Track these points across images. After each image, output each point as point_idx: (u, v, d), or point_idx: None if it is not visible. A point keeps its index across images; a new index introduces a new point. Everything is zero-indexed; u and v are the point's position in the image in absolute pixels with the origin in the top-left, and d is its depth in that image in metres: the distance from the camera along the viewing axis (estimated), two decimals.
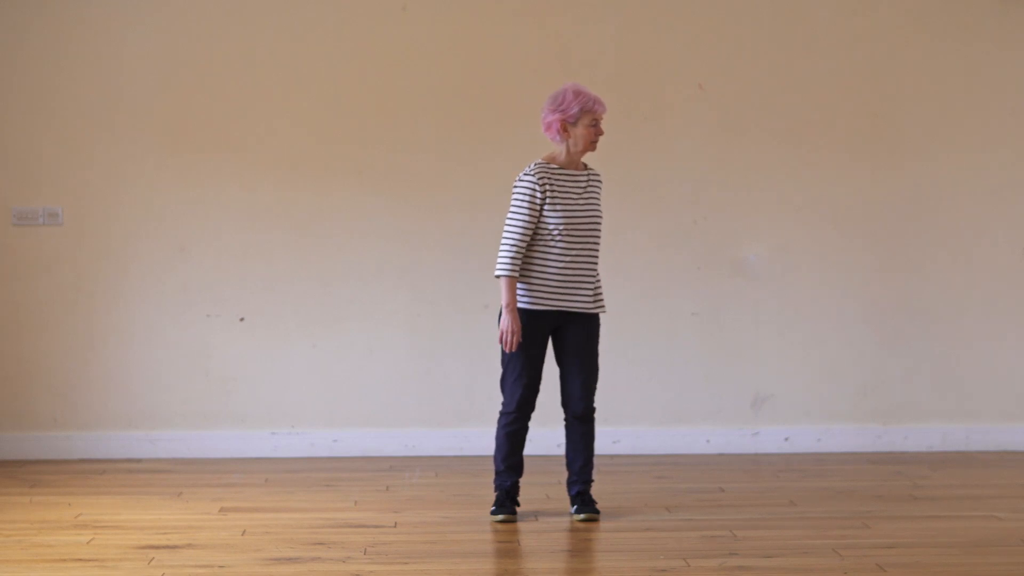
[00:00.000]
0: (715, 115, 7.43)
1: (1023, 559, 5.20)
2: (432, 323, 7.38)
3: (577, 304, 5.79)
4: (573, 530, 5.72)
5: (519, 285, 5.76)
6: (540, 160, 5.79)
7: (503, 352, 5.81)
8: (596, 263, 5.84)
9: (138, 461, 7.28)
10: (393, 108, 7.37)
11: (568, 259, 5.76)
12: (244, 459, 7.32)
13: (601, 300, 5.88)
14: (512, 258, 5.70)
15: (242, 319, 7.37)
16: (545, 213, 5.72)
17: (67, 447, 7.33)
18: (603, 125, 5.86)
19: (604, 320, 7.15)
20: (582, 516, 5.85)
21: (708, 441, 7.47)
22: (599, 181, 5.90)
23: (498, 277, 5.72)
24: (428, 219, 7.39)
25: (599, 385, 5.96)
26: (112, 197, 7.33)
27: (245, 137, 7.34)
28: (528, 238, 5.72)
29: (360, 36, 7.36)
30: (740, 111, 7.44)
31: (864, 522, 5.78)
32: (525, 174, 5.74)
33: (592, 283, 5.83)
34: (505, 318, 5.71)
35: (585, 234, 5.78)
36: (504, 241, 5.73)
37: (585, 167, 5.87)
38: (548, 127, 5.78)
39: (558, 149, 5.82)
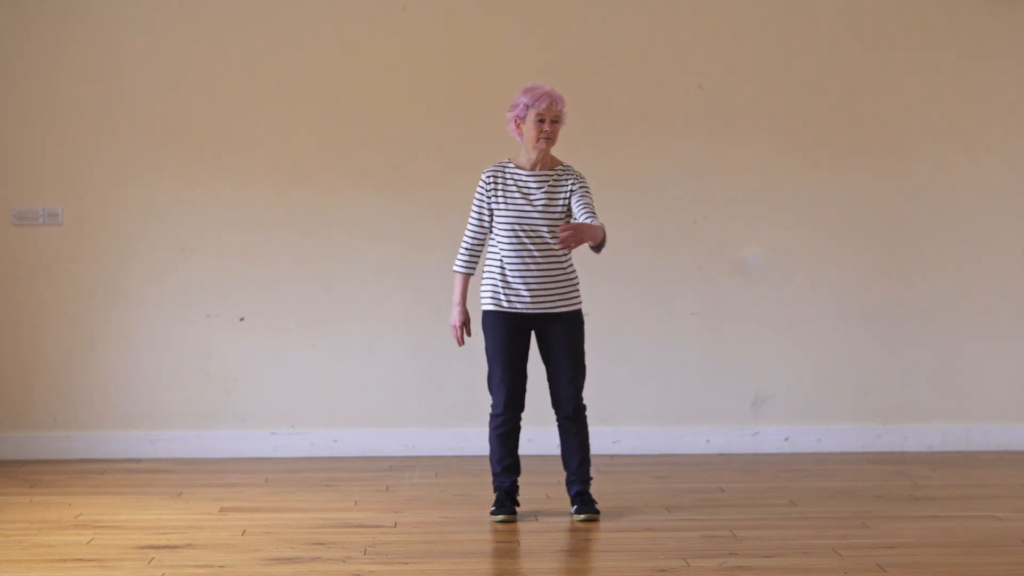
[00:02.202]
0: (715, 115, 7.43)
1: (1023, 559, 5.20)
2: (432, 323, 7.38)
3: (533, 305, 5.80)
4: (573, 530, 5.72)
5: (486, 285, 5.85)
6: (504, 160, 5.88)
7: (487, 354, 5.89)
8: (559, 262, 5.81)
9: (138, 461, 7.29)
10: (393, 108, 7.37)
11: (519, 259, 5.79)
12: (244, 459, 7.32)
13: (568, 299, 5.83)
14: (463, 255, 5.90)
15: (242, 319, 7.38)
16: (494, 213, 5.82)
17: (67, 447, 7.33)
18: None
19: (604, 320, 7.17)
20: (582, 516, 5.85)
21: (708, 441, 7.47)
22: (571, 179, 5.82)
23: (455, 273, 5.94)
24: (428, 219, 7.39)
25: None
26: (112, 197, 7.33)
27: (245, 137, 7.34)
28: (479, 237, 5.87)
29: (360, 36, 7.36)
30: (740, 111, 7.44)
31: (864, 522, 5.79)
32: (482, 173, 5.87)
33: (551, 283, 5.81)
34: (453, 313, 5.95)
35: (531, 235, 5.78)
36: (462, 239, 5.93)
37: (555, 166, 5.85)
38: (509, 126, 5.85)
39: (521, 148, 5.89)
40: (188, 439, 7.37)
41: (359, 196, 7.38)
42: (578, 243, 5.57)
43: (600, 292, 7.19)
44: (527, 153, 5.85)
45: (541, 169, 5.83)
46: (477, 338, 7.12)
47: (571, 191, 5.80)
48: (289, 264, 7.38)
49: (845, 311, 7.50)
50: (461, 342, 5.96)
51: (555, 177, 5.81)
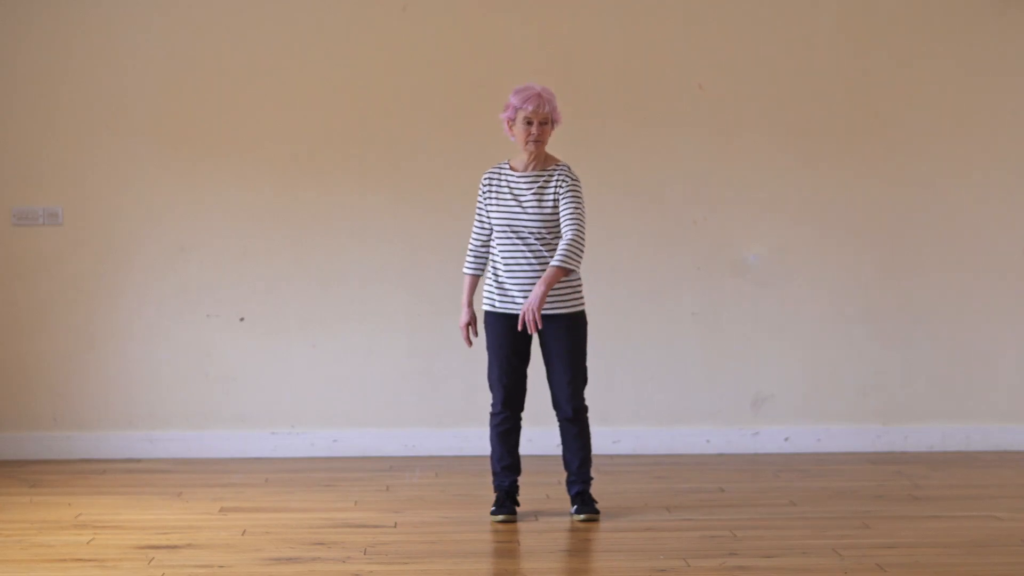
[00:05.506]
0: (715, 115, 7.43)
1: (1023, 559, 5.20)
2: (432, 323, 7.38)
3: (517, 307, 5.80)
4: (573, 530, 5.72)
5: (485, 286, 5.92)
6: (504, 161, 5.93)
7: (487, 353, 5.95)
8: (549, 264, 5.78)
9: (138, 461, 7.29)
10: (393, 108, 7.37)
11: (512, 262, 5.80)
12: (244, 459, 7.32)
13: (563, 301, 5.78)
14: (467, 256, 5.98)
15: (242, 319, 7.38)
16: (490, 216, 5.86)
17: (67, 447, 7.33)
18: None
19: (605, 320, 7.16)
20: (582, 516, 5.85)
21: (708, 441, 7.47)
22: (559, 178, 5.78)
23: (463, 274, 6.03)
24: (428, 219, 7.39)
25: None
26: (112, 197, 7.33)
27: (245, 137, 7.34)
28: (481, 238, 5.92)
29: (360, 36, 7.36)
30: (740, 111, 7.44)
31: (864, 522, 5.79)
32: (483, 176, 5.96)
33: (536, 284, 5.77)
34: (460, 314, 6.00)
35: (523, 236, 5.78)
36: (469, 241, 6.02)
37: (546, 166, 5.82)
38: (504, 127, 5.89)
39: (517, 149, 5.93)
40: (188, 439, 7.37)
41: (359, 196, 7.38)
42: (540, 309, 5.65)
43: (600, 292, 7.19)
44: (520, 154, 5.86)
45: (534, 170, 5.83)
46: (479, 338, 7.13)
47: (558, 193, 5.77)
48: (289, 264, 7.38)
49: (845, 311, 7.50)
50: (468, 343, 5.98)
51: (546, 178, 5.81)
